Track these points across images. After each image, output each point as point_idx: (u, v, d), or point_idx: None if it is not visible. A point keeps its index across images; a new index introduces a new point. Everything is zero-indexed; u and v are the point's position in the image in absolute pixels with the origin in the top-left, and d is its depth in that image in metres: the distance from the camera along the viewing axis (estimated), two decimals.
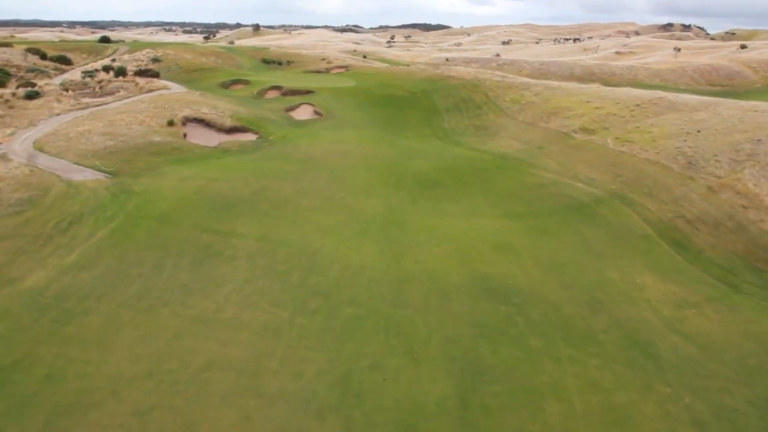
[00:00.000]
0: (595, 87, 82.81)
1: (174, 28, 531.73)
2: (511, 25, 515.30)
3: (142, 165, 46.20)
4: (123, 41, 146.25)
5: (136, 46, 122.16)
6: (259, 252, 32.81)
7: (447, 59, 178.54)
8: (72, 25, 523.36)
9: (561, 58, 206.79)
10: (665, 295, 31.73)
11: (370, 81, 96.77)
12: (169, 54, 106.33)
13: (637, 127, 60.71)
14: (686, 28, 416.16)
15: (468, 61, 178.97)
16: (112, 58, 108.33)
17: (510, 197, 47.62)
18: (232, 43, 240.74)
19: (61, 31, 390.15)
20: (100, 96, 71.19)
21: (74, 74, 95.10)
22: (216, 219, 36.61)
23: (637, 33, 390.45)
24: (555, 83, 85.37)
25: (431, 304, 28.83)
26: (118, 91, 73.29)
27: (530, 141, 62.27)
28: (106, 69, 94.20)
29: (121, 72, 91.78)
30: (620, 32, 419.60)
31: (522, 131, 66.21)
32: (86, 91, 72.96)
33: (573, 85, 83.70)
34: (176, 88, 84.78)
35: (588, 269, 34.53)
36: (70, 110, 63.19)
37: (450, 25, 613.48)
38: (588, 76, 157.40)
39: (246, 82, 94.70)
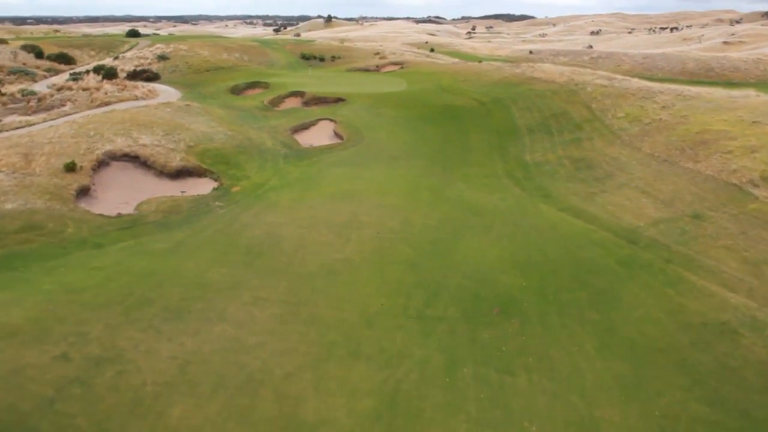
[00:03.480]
0: (753, 96, 53.50)
1: (255, 21, 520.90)
2: (599, 15, 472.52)
3: None
4: (157, 34, 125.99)
5: (156, 40, 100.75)
6: None
7: (531, 52, 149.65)
8: (158, 19, 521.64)
9: (661, 49, 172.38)
10: None
11: (425, 83, 70.59)
12: (180, 50, 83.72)
13: None
14: None
15: (555, 54, 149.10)
16: (116, 55, 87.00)
17: (661, 362, 21.23)
18: (298, 35, 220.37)
19: (144, 26, 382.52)
20: (33, 113, 48.78)
21: (64, 77, 74.19)
22: None
23: (738, 21, 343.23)
24: (692, 89, 56.40)
25: None
26: (63, 105, 50.68)
27: (674, 200, 34.70)
28: (97, 70, 72.81)
29: (110, 74, 70.31)
30: (719, 20, 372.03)
31: (654, 176, 38.61)
32: (19, 105, 50.82)
33: (720, 93, 54.59)
34: (165, 95, 61.88)
35: None
36: None
37: (534, 15, 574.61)
38: (704, 71, 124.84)
39: (265, 86, 70.70)
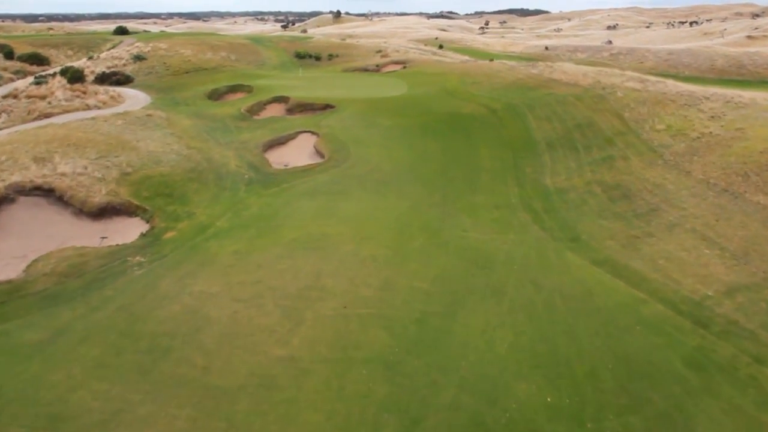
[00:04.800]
0: None
1: (267, 17, 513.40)
2: (615, 9, 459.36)
3: None
4: (148, 31, 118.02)
5: (143, 37, 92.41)
6: None
7: (546, 48, 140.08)
8: (170, 15, 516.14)
9: (681, 44, 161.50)
10: None
11: (429, 86, 61.59)
12: (160, 49, 75.14)
13: None
14: None
15: (573, 50, 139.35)
16: (91, 56, 78.79)
17: None
18: (305, 31, 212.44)
19: (155, 23, 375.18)
20: None
21: (28, 81, 66.03)
22: None
23: (758, 15, 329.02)
24: (744, 95, 46.83)
25: None
26: None
27: (748, 252, 25.51)
28: (64, 72, 64.56)
29: (76, 77, 62.01)
30: (738, 14, 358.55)
31: (714, 213, 29.47)
32: None
33: None
34: (131, 101, 53.67)
35: None
36: None
37: (548, 10, 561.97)
38: (735, 69, 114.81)
39: (248, 90, 62.12)
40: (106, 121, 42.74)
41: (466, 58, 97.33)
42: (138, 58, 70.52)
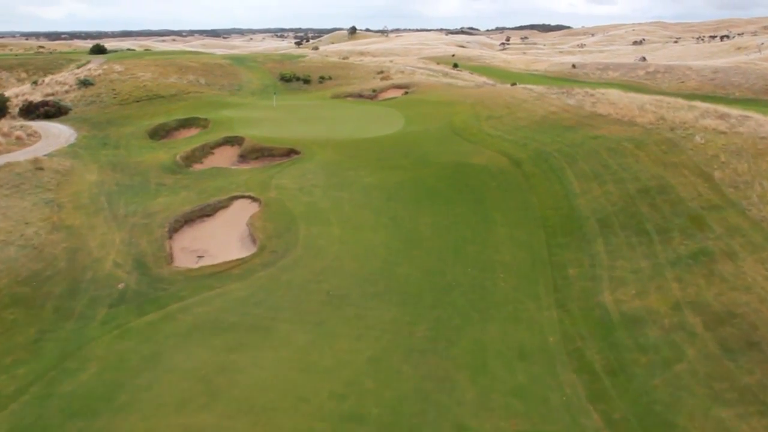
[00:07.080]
0: None
1: (287, 34, 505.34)
2: (639, 24, 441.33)
3: None
4: (132, 49, 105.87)
5: (113, 57, 79.39)
6: None
7: (573, 66, 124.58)
8: (191, 33, 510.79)
9: (714, 60, 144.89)
10: None
11: (431, 121, 46.95)
12: (112, 72, 61.55)
13: None
14: None
15: (603, 68, 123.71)
16: (36, 80, 65.73)
17: None
18: (316, 48, 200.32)
19: (174, 40, 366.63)
20: None
21: None
22: None
23: None
24: None
25: None
26: None
27: None
28: None
29: None
30: (766, 28, 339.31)
31: None
32: None
33: None
34: (44, 143, 40.86)
35: None
36: None
37: (569, 25, 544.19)
38: None
39: (203, 125, 48.15)
40: None
41: (483, 80, 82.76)
42: (84, 83, 57.08)
